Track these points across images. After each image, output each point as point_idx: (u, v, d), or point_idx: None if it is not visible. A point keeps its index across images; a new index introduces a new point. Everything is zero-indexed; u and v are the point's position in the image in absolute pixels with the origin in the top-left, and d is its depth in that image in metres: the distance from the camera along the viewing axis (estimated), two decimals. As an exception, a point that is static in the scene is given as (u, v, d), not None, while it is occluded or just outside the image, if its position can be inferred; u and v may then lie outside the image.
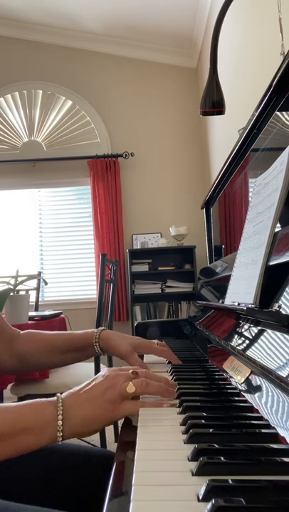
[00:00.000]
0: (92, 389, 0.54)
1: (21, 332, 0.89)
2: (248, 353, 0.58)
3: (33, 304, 3.22)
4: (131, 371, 0.57)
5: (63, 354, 0.86)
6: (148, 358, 0.98)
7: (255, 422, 0.47)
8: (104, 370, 0.59)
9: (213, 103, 1.26)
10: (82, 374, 2.02)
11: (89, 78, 4.04)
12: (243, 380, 0.59)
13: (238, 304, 0.71)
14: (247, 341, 0.64)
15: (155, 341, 0.87)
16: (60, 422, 0.51)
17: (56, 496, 0.71)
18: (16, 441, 0.50)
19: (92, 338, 0.84)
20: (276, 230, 0.64)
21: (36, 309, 3.19)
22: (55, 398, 0.54)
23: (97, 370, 1.97)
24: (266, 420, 0.47)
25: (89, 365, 2.11)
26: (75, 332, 0.88)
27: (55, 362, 0.88)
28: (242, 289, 0.71)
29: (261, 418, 0.48)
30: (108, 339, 0.84)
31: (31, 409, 0.52)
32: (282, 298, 0.55)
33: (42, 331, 0.90)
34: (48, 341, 0.87)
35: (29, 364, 0.87)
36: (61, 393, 0.55)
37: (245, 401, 0.55)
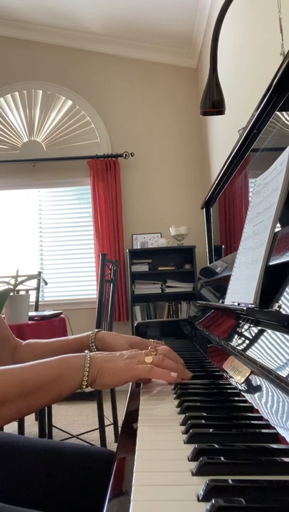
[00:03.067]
0: (117, 355, 0.65)
1: (23, 343, 0.90)
2: (248, 353, 0.58)
3: (33, 304, 3.22)
4: (150, 347, 0.66)
5: None
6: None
7: (255, 422, 0.47)
8: (132, 349, 0.68)
9: (213, 103, 1.26)
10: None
11: (89, 78, 4.04)
12: (243, 380, 0.59)
13: (238, 304, 0.71)
14: (247, 341, 0.64)
15: (152, 341, 0.87)
16: (86, 369, 0.61)
17: (56, 496, 0.71)
18: (50, 390, 0.59)
19: (88, 340, 0.84)
20: (276, 230, 0.64)
21: (36, 309, 3.19)
22: (84, 353, 0.64)
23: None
24: (266, 420, 0.47)
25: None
26: (71, 336, 0.88)
27: None
28: (242, 289, 0.71)
29: (261, 418, 0.48)
30: (104, 339, 0.84)
31: (65, 361, 0.62)
32: (282, 298, 0.55)
33: (41, 340, 0.91)
34: (45, 347, 0.87)
35: None
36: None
37: (245, 401, 0.55)
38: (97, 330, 0.87)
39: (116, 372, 0.61)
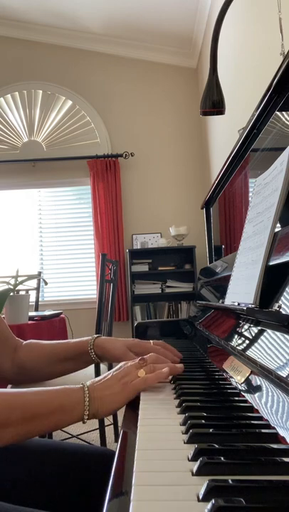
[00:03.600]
0: (110, 378, 0.65)
1: (23, 343, 0.90)
2: (248, 353, 0.58)
3: (33, 304, 3.22)
4: (139, 359, 0.68)
5: (62, 362, 0.86)
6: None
7: (255, 422, 0.47)
8: (119, 364, 0.70)
9: (213, 103, 1.26)
10: (82, 376, 2.02)
11: (89, 78, 4.04)
12: (243, 380, 0.59)
13: (238, 304, 0.71)
14: (247, 341, 0.64)
15: (151, 342, 0.87)
16: (86, 403, 0.61)
17: (56, 495, 0.71)
18: (53, 418, 0.59)
19: (87, 345, 0.84)
20: (276, 230, 0.64)
21: (36, 309, 3.19)
22: (81, 385, 0.64)
23: (97, 373, 1.97)
24: (266, 420, 0.47)
25: (89, 368, 2.11)
26: (71, 340, 0.88)
27: (54, 371, 0.89)
28: (242, 289, 0.71)
29: (261, 418, 0.48)
30: (102, 346, 0.84)
31: (63, 391, 0.62)
32: (282, 298, 0.55)
33: (42, 342, 0.91)
34: (47, 350, 0.87)
35: (29, 374, 0.88)
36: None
37: (245, 401, 0.55)
38: (96, 336, 0.86)
39: (115, 398, 0.62)
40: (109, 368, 2.46)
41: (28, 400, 0.59)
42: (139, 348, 0.84)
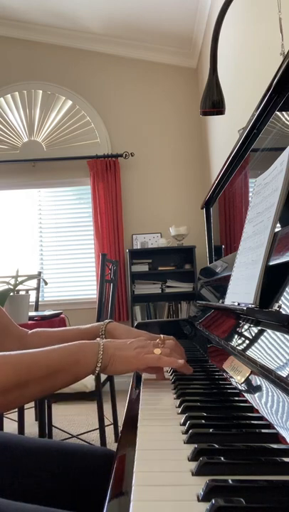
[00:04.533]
0: (127, 344, 0.69)
1: (29, 331, 0.90)
2: (248, 353, 0.58)
3: (33, 304, 3.22)
4: (158, 340, 0.72)
5: None
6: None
7: (255, 422, 0.47)
8: (143, 337, 0.74)
9: (213, 103, 1.26)
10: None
11: (89, 78, 4.04)
12: (243, 380, 0.59)
13: (238, 304, 0.71)
14: (247, 341, 0.64)
15: (161, 336, 0.87)
16: (100, 356, 0.65)
17: (56, 495, 0.71)
18: (71, 371, 0.64)
19: (99, 331, 0.85)
20: (276, 230, 0.64)
21: (36, 309, 3.19)
22: (97, 340, 0.69)
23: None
24: (266, 420, 0.47)
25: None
26: (82, 326, 0.90)
27: None
28: (242, 289, 0.71)
29: (261, 418, 0.48)
30: (114, 333, 0.85)
31: (80, 347, 0.67)
32: (282, 298, 0.55)
33: (49, 329, 0.92)
34: (56, 337, 0.88)
35: None
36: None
37: (245, 401, 0.55)
38: (108, 320, 0.88)
39: (126, 360, 0.66)
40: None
41: (51, 357, 0.63)
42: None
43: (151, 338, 0.85)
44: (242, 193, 1.16)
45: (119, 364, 0.66)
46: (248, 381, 0.57)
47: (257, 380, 0.54)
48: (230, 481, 0.33)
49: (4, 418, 2.39)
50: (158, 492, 0.34)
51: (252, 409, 0.52)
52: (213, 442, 0.41)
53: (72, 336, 0.87)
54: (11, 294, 1.78)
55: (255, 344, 0.59)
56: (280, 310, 0.53)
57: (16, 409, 2.27)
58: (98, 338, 0.70)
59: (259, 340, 0.58)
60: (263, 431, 0.44)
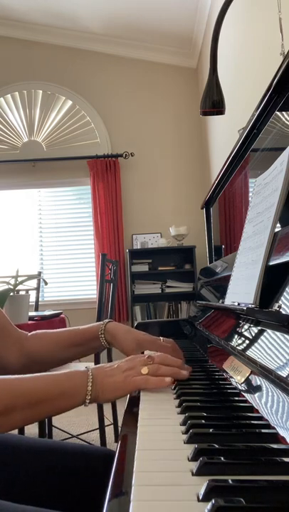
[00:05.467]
0: (116, 368, 0.66)
1: (29, 334, 0.90)
2: (248, 353, 0.58)
3: (33, 304, 3.22)
4: (146, 356, 0.67)
5: (69, 348, 0.87)
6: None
7: (255, 422, 0.47)
8: (132, 356, 0.70)
9: (213, 103, 1.26)
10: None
11: (89, 78, 4.04)
12: (243, 380, 0.59)
13: (238, 304, 0.71)
14: (247, 341, 0.64)
15: (161, 338, 0.87)
16: (89, 387, 0.62)
17: (56, 495, 0.71)
18: (55, 403, 0.61)
19: (98, 331, 0.85)
20: (276, 230, 0.64)
21: (36, 309, 3.19)
22: (85, 369, 0.66)
23: (96, 363, 1.97)
24: (266, 420, 0.47)
25: (89, 365, 2.11)
26: (81, 326, 0.89)
27: (62, 358, 0.89)
28: (242, 289, 0.71)
29: (261, 418, 0.48)
30: (113, 333, 0.85)
31: (67, 376, 0.64)
32: (282, 298, 0.55)
33: (49, 330, 0.92)
34: (54, 338, 0.88)
35: (38, 363, 0.88)
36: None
37: (245, 401, 0.55)
38: (108, 320, 0.87)
39: (116, 386, 0.63)
40: (109, 360, 2.47)
41: (33, 386, 0.61)
42: (150, 345, 0.84)
43: (152, 342, 0.85)
44: (242, 193, 1.16)
45: (109, 392, 0.63)
46: (248, 381, 0.57)
47: (257, 380, 0.54)
48: (230, 481, 0.33)
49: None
50: (158, 492, 0.34)
51: (252, 409, 0.52)
52: (213, 442, 0.41)
53: (70, 336, 0.87)
54: (11, 294, 1.78)
55: (255, 344, 0.59)
56: (280, 310, 0.53)
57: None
58: (87, 366, 0.67)
59: (259, 340, 0.58)
60: (263, 431, 0.44)
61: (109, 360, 2.47)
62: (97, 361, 1.97)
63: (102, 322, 0.86)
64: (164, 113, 4.04)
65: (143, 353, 0.95)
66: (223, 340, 0.75)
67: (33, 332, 0.91)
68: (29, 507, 0.58)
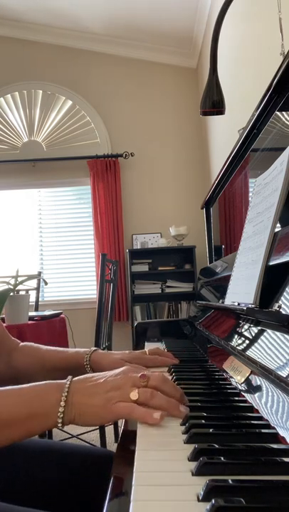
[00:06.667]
0: (100, 384, 0.54)
1: (20, 344, 0.88)
2: (248, 353, 0.58)
3: (33, 304, 3.22)
4: (140, 375, 0.54)
5: (54, 372, 0.84)
6: (148, 346, 0.97)
7: (255, 422, 0.47)
8: (120, 369, 0.58)
9: (213, 103, 1.26)
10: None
11: (89, 78, 4.04)
12: (243, 380, 0.59)
13: (238, 304, 0.71)
14: (247, 341, 0.64)
15: (146, 350, 0.86)
16: (61, 409, 0.52)
17: (56, 496, 0.71)
18: (22, 427, 0.52)
19: (84, 360, 0.81)
20: (276, 230, 0.64)
21: (36, 309, 3.19)
22: (64, 381, 0.55)
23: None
24: (266, 420, 0.47)
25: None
26: (69, 350, 0.85)
27: (47, 377, 0.87)
28: (242, 289, 0.71)
29: (261, 418, 0.48)
30: (98, 361, 0.80)
31: (36, 393, 0.54)
32: (282, 298, 0.55)
33: (39, 346, 0.88)
34: (43, 358, 0.84)
35: (22, 378, 0.86)
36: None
37: (245, 401, 0.55)
38: (93, 349, 0.83)
39: (95, 411, 0.52)
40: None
41: (1, 406, 0.52)
42: (137, 361, 0.80)
43: (137, 356, 0.80)
44: (242, 193, 1.16)
45: (88, 416, 0.52)
46: (248, 381, 0.57)
47: (257, 380, 0.54)
48: (230, 481, 0.33)
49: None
50: (158, 492, 0.34)
51: (252, 409, 0.52)
52: (213, 442, 0.41)
53: (58, 360, 0.83)
54: (11, 294, 1.78)
55: (255, 344, 0.59)
56: (280, 310, 0.53)
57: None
58: (69, 376, 0.56)
59: (259, 340, 0.58)
60: (263, 431, 0.44)
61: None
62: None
63: (88, 350, 0.82)
64: (164, 113, 4.04)
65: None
66: (223, 340, 0.75)
67: (24, 344, 0.89)
68: (29, 509, 0.58)
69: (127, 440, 0.47)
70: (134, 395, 0.52)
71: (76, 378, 0.56)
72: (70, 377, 0.56)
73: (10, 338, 0.88)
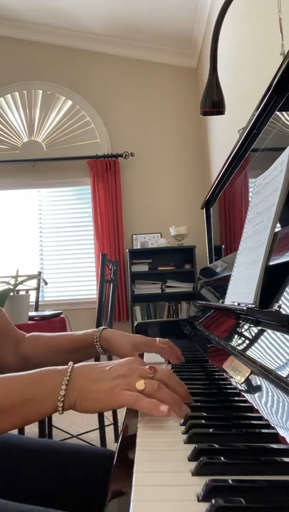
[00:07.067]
0: (106, 371, 0.54)
1: (27, 335, 0.89)
2: (248, 353, 0.58)
3: (33, 304, 3.22)
4: (148, 367, 0.54)
5: (66, 355, 0.86)
6: (148, 357, 0.98)
7: (255, 422, 0.47)
8: (126, 358, 0.57)
9: (213, 103, 1.26)
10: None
11: (89, 78, 4.04)
12: (243, 380, 0.59)
13: (238, 304, 0.71)
14: (247, 341, 0.64)
15: (157, 339, 0.87)
16: (62, 392, 0.51)
17: (56, 495, 0.71)
18: (20, 413, 0.50)
19: (93, 338, 0.84)
20: (276, 230, 0.64)
21: (36, 309, 3.19)
22: (66, 366, 0.54)
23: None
24: (266, 420, 0.47)
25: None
26: (76, 332, 0.88)
27: (57, 363, 0.88)
28: (242, 289, 0.71)
29: (261, 418, 0.48)
30: (108, 339, 0.83)
31: (34, 378, 0.53)
32: (282, 298, 0.55)
33: (46, 334, 0.90)
34: (52, 343, 0.87)
35: (34, 366, 0.87)
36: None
37: (245, 401, 0.55)
38: (102, 327, 0.86)
39: (99, 397, 0.51)
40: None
41: None
42: (146, 347, 0.83)
43: (148, 343, 0.83)
44: (242, 193, 1.16)
45: (90, 401, 0.51)
46: (248, 381, 0.57)
47: (257, 380, 0.54)
48: (230, 481, 0.33)
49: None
50: (158, 492, 0.34)
51: (252, 409, 0.52)
52: (213, 442, 0.41)
53: (66, 343, 0.86)
54: (11, 294, 1.78)
55: (255, 344, 0.59)
56: (280, 310, 0.53)
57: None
58: (71, 362, 0.55)
59: (259, 340, 0.58)
60: (263, 431, 0.44)
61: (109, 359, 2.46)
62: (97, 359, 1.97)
63: (97, 329, 0.85)
64: (164, 113, 4.04)
65: (142, 356, 0.95)
66: (223, 340, 0.75)
67: (30, 334, 0.90)
68: (28, 506, 0.58)
69: (127, 440, 0.47)
70: (140, 384, 0.50)
71: (80, 364, 0.55)
72: (71, 362, 0.55)
73: (16, 330, 0.89)
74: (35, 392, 0.51)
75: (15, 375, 0.53)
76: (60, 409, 0.51)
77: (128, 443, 0.46)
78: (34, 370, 0.54)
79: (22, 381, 0.52)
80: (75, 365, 0.54)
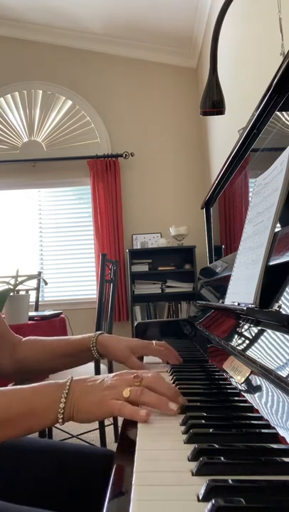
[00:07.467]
0: (97, 384, 0.57)
1: (23, 339, 0.89)
2: (248, 353, 0.58)
3: (33, 304, 3.22)
4: (133, 376, 0.57)
5: (61, 359, 0.86)
6: (148, 358, 0.98)
7: (255, 422, 0.47)
8: (123, 371, 0.61)
9: (213, 103, 1.26)
10: (81, 374, 2.02)
11: (89, 78, 4.04)
12: (243, 380, 0.59)
13: (238, 304, 0.71)
14: (247, 341, 0.64)
15: (154, 342, 0.87)
16: (62, 405, 0.54)
17: (56, 495, 0.71)
18: (22, 424, 0.53)
19: (90, 343, 0.84)
20: (276, 230, 0.64)
21: (36, 309, 3.19)
22: (64, 380, 0.57)
23: (97, 370, 1.97)
24: (266, 420, 0.47)
25: (89, 365, 2.11)
26: (73, 337, 0.88)
27: (53, 367, 0.89)
28: (242, 289, 0.71)
29: (261, 418, 0.48)
30: (105, 344, 0.83)
31: (37, 392, 0.56)
32: (282, 298, 0.55)
33: (42, 338, 0.90)
34: (47, 347, 0.87)
35: (29, 370, 0.88)
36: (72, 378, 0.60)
37: (245, 401, 0.55)
38: (99, 332, 0.86)
39: (91, 408, 0.54)
40: (109, 366, 2.46)
41: None
42: (143, 350, 0.84)
43: (145, 347, 0.83)
44: (242, 193, 1.16)
45: (83, 413, 0.54)
46: (248, 381, 0.57)
47: (257, 380, 0.54)
48: (230, 481, 0.33)
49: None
50: (158, 492, 0.34)
51: (252, 409, 0.52)
52: (213, 442, 0.41)
53: (62, 347, 0.86)
54: (11, 294, 1.78)
55: (255, 344, 0.59)
56: (280, 310, 0.53)
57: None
58: (70, 376, 0.59)
59: (259, 340, 0.58)
60: (263, 431, 0.44)
61: (110, 364, 2.45)
62: (97, 365, 1.97)
63: (93, 334, 0.85)
64: (164, 113, 4.04)
65: (142, 358, 0.95)
66: (223, 340, 0.75)
67: (26, 338, 0.90)
68: (28, 508, 0.58)
69: (127, 440, 0.47)
70: (126, 392, 0.54)
71: (75, 378, 0.58)
72: (70, 376, 0.58)
73: (12, 334, 0.89)
74: (38, 404, 0.54)
75: (18, 389, 0.56)
76: (61, 420, 0.54)
77: (128, 443, 0.46)
78: (36, 384, 0.57)
79: (25, 393, 0.55)
80: (74, 379, 0.58)
